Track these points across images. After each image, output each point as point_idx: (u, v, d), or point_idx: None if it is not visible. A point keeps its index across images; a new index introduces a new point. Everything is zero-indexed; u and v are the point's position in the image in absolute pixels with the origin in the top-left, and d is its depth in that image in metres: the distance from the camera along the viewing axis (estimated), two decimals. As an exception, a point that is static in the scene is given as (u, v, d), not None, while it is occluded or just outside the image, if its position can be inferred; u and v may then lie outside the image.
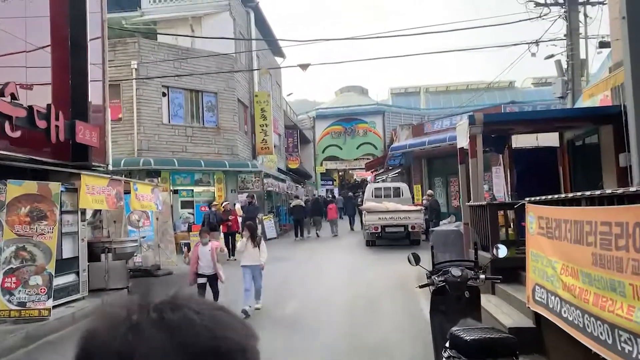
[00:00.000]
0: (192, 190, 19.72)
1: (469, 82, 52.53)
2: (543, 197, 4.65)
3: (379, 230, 14.76)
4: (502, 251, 4.13)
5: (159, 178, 18.64)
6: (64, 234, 7.90)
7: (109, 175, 9.04)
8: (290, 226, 26.12)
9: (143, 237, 11.94)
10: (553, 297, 4.27)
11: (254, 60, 24.76)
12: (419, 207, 15.30)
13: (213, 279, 7.68)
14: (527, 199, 4.98)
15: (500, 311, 5.54)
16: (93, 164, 9.83)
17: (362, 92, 51.34)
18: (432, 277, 4.13)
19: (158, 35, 21.19)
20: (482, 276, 4.05)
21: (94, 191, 8.41)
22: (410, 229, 14.72)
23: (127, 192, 10.14)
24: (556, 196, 4.37)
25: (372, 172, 42.57)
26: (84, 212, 8.46)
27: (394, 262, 12.22)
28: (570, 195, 4.04)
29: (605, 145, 8.61)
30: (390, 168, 29.10)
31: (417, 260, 4.26)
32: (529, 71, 69.04)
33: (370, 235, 15.18)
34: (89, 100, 9.70)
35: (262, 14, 26.31)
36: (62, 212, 7.92)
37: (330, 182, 46.31)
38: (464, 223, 9.29)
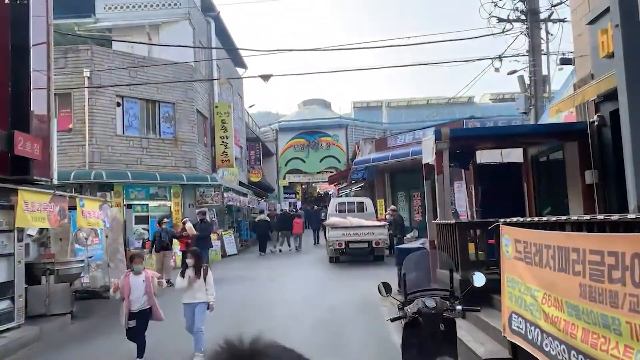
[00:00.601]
0: (147, 204, 18.82)
1: (430, 97, 53.46)
2: (522, 219, 4.36)
3: (343, 246, 14.38)
4: (479, 279, 3.79)
5: (112, 192, 17.74)
6: (-3, 256, 7.12)
7: (52, 191, 8.30)
8: (252, 241, 25.46)
9: (91, 257, 11.12)
10: (533, 328, 3.95)
11: (214, 71, 24.17)
12: (383, 223, 15.04)
13: (143, 319, 6.10)
14: (502, 220, 4.68)
15: (473, 339, 5.22)
16: (35, 178, 9.03)
17: (325, 106, 51.30)
18: (405, 308, 3.74)
19: (113, 44, 20.31)
20: (459, 307, 3.69)
21: (34, 208, 7.66)
22: (374, 245, 14.41)
23: (73, 208, 9.37)
24: (536, 219, 4.08)
25: (335, 185, 42.37)
26: (21, 231, 7.69)
27: (359, 280, 11.85)
28: (553, 218, 3.74)
29: (570, 162, 8.55)
30: (353, 182, 28.91)
31: (387, 290, 3.87)
32: (487, 87, 71.03)
33: (334, 252, 14.77)
34: (31, 109, 8.94)
35: (223, 24, 25.82)
36: (-5, 232, 7.15)
37: (294, 196, 45.80)
38: (430, 240, 9.02)
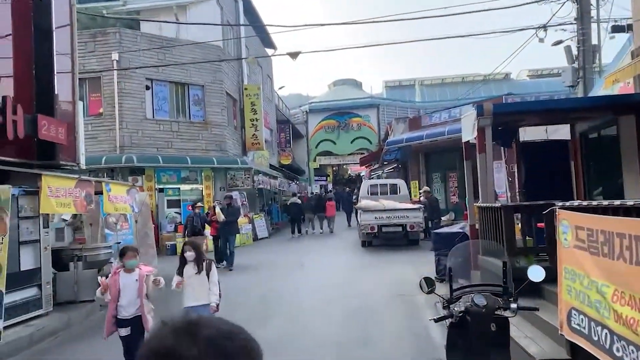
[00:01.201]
0: (179, 188, 18.77)
1: (465, 75, 51.77)
2: (584, 203, 3.79)
3: (376, 230, 13.91)
4: (537, 273, 3.27)
5: (143, 176, 17.74)
6: (22, 242, 6.98)
7: (77, 176, 8.11)
8: (284, 224, 25.29)
9: (118, 243, 11.01)
10: (599, 328, 3.42)
11: (243, 52, 23.78)
12: (417, 205, 14.44)
13: (136, 328, 4.84)
14: (560, 203, 4.12)
15: (524, 335, 4.71)
16: (62, 162, 8.90)
17: (355, 85, 50.36)
18: (450, 306, 3.27)
19: (141, 26, 20.12)
20: (514, 305, 3.19)
21: (59, 194, 7.49)
22: (408, 229, 13.87)
23: (100, 193, 9.21)
24: (605, 203, 3.52)
25: (366, 167, 41.70)
26: (46, 217, 7.54)
27: (392, 266, 11.40)
28: (630, 202, 3.18)
29: (626, 138, 7.78)
30: (385, 163, 28.23)
31: (430, 285, 3.39)
32: (524, 63, 68.45)
33: (366, 236, 14.32)
34: (56, 93, 8.75)
35: (252, 4, 25.31)
36: (20, 218, 7.00)
37: (324, 178, 45.40)
38: (470, 225, 8.46)
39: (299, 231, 20.31)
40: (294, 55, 11.61)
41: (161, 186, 18.30)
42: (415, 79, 54.46)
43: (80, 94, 17.86)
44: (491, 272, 6.65)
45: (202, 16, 19.56)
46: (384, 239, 14.57)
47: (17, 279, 6.75)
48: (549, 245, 5.99)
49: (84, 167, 10.28)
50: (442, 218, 19.73)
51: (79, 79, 17.61)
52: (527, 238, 6.36)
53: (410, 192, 17.91)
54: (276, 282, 10.00)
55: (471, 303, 3.20)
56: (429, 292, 3.46)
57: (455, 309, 3.26)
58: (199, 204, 13.21)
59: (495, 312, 3.22)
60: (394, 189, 16.58)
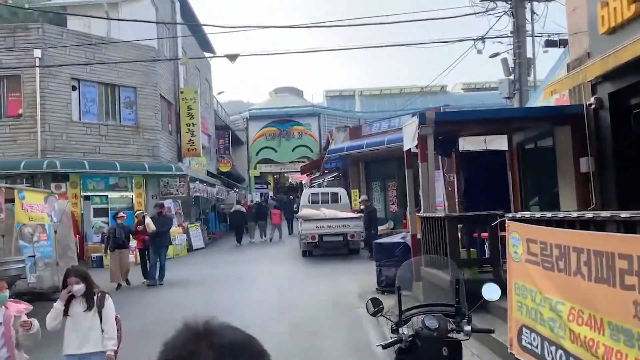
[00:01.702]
0: (107, 196, 17.60)
1: (403, 86, 53.00)
2: (538, 214, 3.60)
3: (316, 239, 13.57)
4: (492, 291, 3.01)
5: (68, 183, 16.49)
6: None
7: (-19, 182, 7.19)
8: (221, 234, 24.49)
9: (33, 256, 9.99)
10: (553, 349, 3.21)
11: (179, 54, 22.86)
12: (358, 215, 14.26)
13: None
14: (510, 214, 3.92)
15: (471, 353, 4.48)
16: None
17: (297, 94, 50.23)
18: (400, 330, 2.94)
19: (68, 23, 18.84)
20: (468, 327, 2.90)
21: (-42, 202, 6.58)
22: (349, 238, 13.64)
23: (11, 201, 8.27)
24: (561, 214, 3.33)
25: (307, 175, 41.51)
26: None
27: (333, 277, 11.09)
28: (589, 214, 2.98)
29: (561, 149, 7.92)
30: (326, 172, 28.09)
31: (376, 306, 3.03)
32: (459, 77, 71.05)
33: (307, 245, 13.94)
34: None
35: (189, 5, 24.48)
36: None
37: (265, 186, 44.79)
38: (412, 234, 8.29)
39: (239, 240, 20.31)
40: (232, 57, 11.11)
41: (87, 193, 17.08)
42: (355, 89, 55.17)
43: (-4, 92, 16.48)
44: (434, 285, 6.47)
45: (136, 15, 18.56)
46: (324, 249, 14.26)
47: None
48: (492, 258, 5.88)
49: (-6, 172, 9.25)
50: (381, 227, 19.77)
51: (-5, 76, 16.25)
52: (471, 250, 6.22)
53: (350, 201, 17.76)
54: (211, 297, 9.38)
55: (422, 326, 2.88)
56: (375, 314, 3.10)
57: (404, 333, 2.92)
58: (122, 213, 12.09)
59: (448, 335, 2.92)
60: (335, 198, 16.35)
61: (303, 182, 48.58)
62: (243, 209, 21.27)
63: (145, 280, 11.25)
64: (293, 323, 7.27)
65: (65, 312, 4.10)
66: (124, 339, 6.92)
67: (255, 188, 42.90)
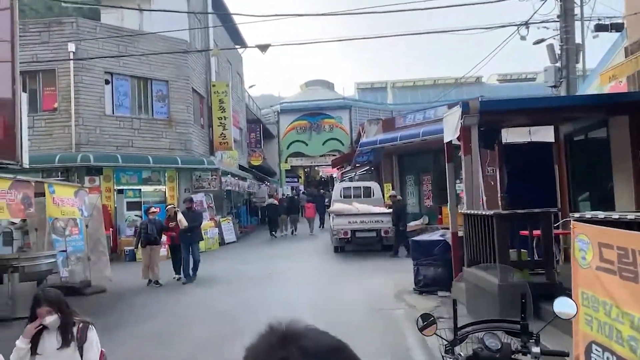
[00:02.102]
0: (140, 189, 17.66)
1: (437, 78, 51.91)
2: (615, 215, 3.13)
3: (349, 235, 13.20)
4: (567, 307, 2.57)
5: (101, 176, 16.60)
6: (-62, 254, 5.96)
7: (12, 176, 7.10)
8: (252, 227, 24.41)
9: (64, 250, 10.00)
10: (635, 373, 2.74)
11: (211, 46, 22.74)
12: (390, 210, 13.78)
13: None
14: (577, 214, 3.45)
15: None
16: (2, 161, 7.88)
17: (328, 87, 49.77)
18: (455, 350, 2.54)
19: (102, 17, 18.94)
20: (536, 349, 2.48)
21: (-12, 196, 6.49)
22: (383, 234, 13.21)
23: (42, 195, 8.19)
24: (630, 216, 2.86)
25: (338, 169, 41.09)
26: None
27: (367, 275, 10.69)
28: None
29: (617, 141, 7.28)
30: (358, 165, 27.62)
31: (426, 321, 2.63)
32: (493, 68, 69.19)
33: (339, 241, 13.58)
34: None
35: (222, -2, 24.29)
36: (-64, 226, 5.98)
37: (296, 180, 44.60)
38: (452, 232, 7.82)
39: (274, 232, 20.48)
40: (263, 47, 10.80)
41: (120, 187, 17.17)
42: (387, 81, 54.31)
43: (33, 87, 16.67)
44: (479, 288, 6.01)
45: (167, 8, 18.50)
46: (357, 245, 13.87)
47: None
48: (546, 259, 5.38)
49: (26, 166, 9.21)
50: (415, 222, 19.23)
51: (32, 71, 16.44)
52: (521, 250, 5.71)
53: (383, 195, 17.30)
54: (242, 295, 9.12)
55: (481, 346, 2.48)
56: (424, 328, 2.70)
57: (461, 353, 2.53)
58: (153, 208, 11.74)
59: (512, 357, 2.51)
60: (367, 192, 15.91)
61: (334, 176, 48.22)
62: (276, 202, 21.24)
63: (176, 275, 11.05)
64: (325, 326, 6.90)
65: (34, 350, 3.14)
66: (149, 339, 6.78)
67: (287, 182, 42.81)
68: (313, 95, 44.62)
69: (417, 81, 51.49)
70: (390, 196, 14.19)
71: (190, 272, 10.84)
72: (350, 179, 28.40)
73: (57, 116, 16.23)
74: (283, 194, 29.96)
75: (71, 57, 16.10)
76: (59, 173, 16.15)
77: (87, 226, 10.14)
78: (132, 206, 17.50)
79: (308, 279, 10.69)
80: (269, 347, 0.79)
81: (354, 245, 13.95)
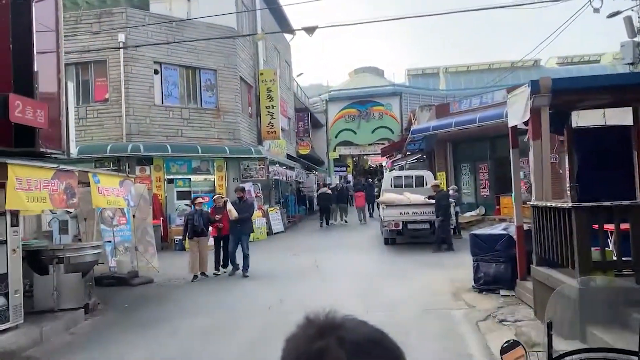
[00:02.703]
0: (190, 179, 17.69)
1: (492, 62, 49.74)
2: None
3: (400, 226, 12.57)
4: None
5: (152, 166, 16.72)
6: (-19, 245, 5.88)
7: (55, 165, 6.98)
8: (300, 217, 24.15)
9: (108, 241, 9.95)
10: None
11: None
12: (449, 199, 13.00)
13: None
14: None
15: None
16: (48, 151, 7.78)
17: (377, 74, 48.75)
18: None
19: (150, 6, 19.02)
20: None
21: (31, 186, 6.37)
22: (437, 225, 12.50)
23: (86, 184, 8.10)
24: None
25: (387, 157, 40.19)
26: (16, 214, 6.42)
27: (420, 270, 10.07)
28: None
29: None
30: (408, 153, 26.76)
31: (511, 349, 2.06)
32: (553, 50, 65.67)
33: (390, 233, 12.97)
34: (35, 70, 7.61)
35: (268, -16, 23.93)
36: (-21, 216, 5.91)
37: (344, 169, 44.06)
38: (517, 226, 7.08)
39: (327, 221, 20.39)
40: (310, 30, 10.30)
41: (170, 177, 17.24)
42: (439, 66, 52.58)
43: (85, 78, 16.96)
44: (549, 289, 5.30)
45: (215, -4, 18.31)
46: (409, 237, 13.22)
47: (-25, 289, 5.68)
48: (636, 259, 4.62)
49: (74, 155, 9.19)
50: (471, 213, 18.31)
51: (84, 62, 16.71)
52: (606, 249, 4.95)
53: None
54: (286, 291, 8.71)
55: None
56: (504, 352, 2.13)
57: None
58: (200, 198, 11.14)
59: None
60: (420, 182, 15.16)
61: (383, 165, 47.33)
62: (329, 192, 21.07)
63: (216, 271, 10.62)
64: (377, 325, 6.41)
65: None
66: (198, 333, 6.50)
67: (335, 171, 42.36)
68: (362, 83, 43.77)
69: (471, 66, 49.50)
70: (432, 186, 13.32)
71: (241, 266, 10.30)
72: (401, 168, 27.58)
73: (108, 107, 16.43)
74: (330, 184, 29.65)
75: (121, 47, 16.21)
76: (111, 163, 16.39)
77: (134, 216, 10.07)
78: (182, 195, 17.55)
79: (357, 272, 10.19)
80: (308, 338, 0.79)
81: (406, 237, 13.32)
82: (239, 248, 10.30)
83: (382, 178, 38.09)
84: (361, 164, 53.00)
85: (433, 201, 12.48)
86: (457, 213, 14.37)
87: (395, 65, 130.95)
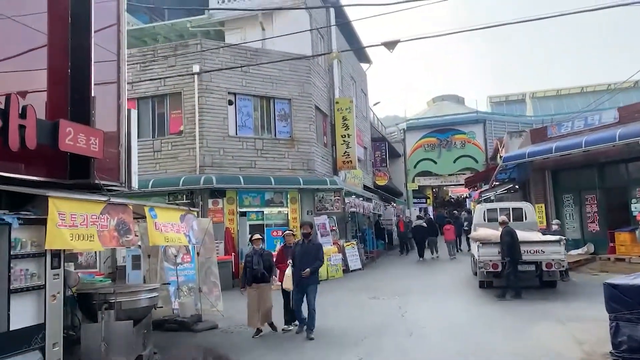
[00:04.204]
0: (263, 212, 16.89)
1: (584, 85, 46.11)
2: None
3: (499, 268, 10.76)
4: None
5: (224, 198, 16.12)
6: (15, 291, 5.08)
7: (105, 198, 6.19)
8: (378, 252, 22.60)
9: (167, 284, 9.09)
10: None
11: (335, 65, 21.75)
12: (557, 237, 10.99)
13: None
14: None
15: None
16: (105, 182, 7.10)
17: (457, 101, 46.67)
18: None
19: (226, 38, 18.91)
20: None
21: (76, 222, 5.58)
22: (544, 267, 10.54)
23: (142, 218, 7.29)
24: None
25: (471, 188, 37.67)
26: (57, 254, 5.63)
27: (530, 321, 8.25)
28: None
29: None
30: (497, 184, 24.51)
31: None
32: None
33: (486, 275, 11.17)
34: (92, 95, 7.00)
35: (345, 14, 23.31)
36: (14, 257, 5.14)
37: (424, 200, 41.94)
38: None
39: (422, 255, 19.98)
40: (391, 45, 9.13)
41: (243, 209, 16.54)
42: (525, 92, 49.55)
43: (160, 111, 16.85)
44: None
45: (290, 24, 17.85)
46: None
47: (4, 343, 4.85)
48: None
49: (136, 189, 8.48)
50: (577, 251, 15.91)
51: (160, 95, 16.67)
52: None
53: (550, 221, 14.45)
54: (366, 350, 7.28)
55: None
56: None
57: None
58: (257, 235, 8.94)
59: None
60: (518, 215, 13.21)
61: (465, 196, 44.55)
62: (424, 224, 20.39)
63: (285, 326, 8.74)
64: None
65: None
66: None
67: (414, 202, 40.38)
68: (442, 111, 41.91)
69: (561, 90, 46.08)
70: (500, 222, 11.30)
71: (305, 321, 8.24)
72: (487, 200, 25.31)
73: (182, 139, 16.16)
74: (422, 216, 28.15)
75: (196, 79, 15.99)
76: (184, 196, 15.99)
77: (197, 254, 9.18)
78: (254, 229, 16.74)
79: (452, 323, 8.54)
80: None
81: (505, 280, 11.41)
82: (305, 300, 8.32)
83: (464, 210, 35.69)
84: (441, 195, 50.44)
85: (541, 238, 10.59)
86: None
87: (476, 92, 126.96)
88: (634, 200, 14.43)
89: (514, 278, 10.53)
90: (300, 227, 8.77)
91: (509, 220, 13.11)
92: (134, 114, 8.70)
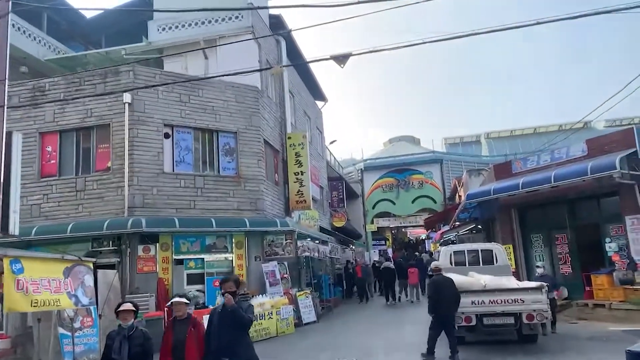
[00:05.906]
0: (203, 259, 14.83)
1: (536, 126, 47.10)
2: None
3: (473, 321, 9.19)
4: None
5: (157, 244, 14.03)
6: None
7: None
8: (336, 301, 20.72)
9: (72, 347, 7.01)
10: None
11: (286, 98, 20.41)
12: (537, 284, 9.55)
13: None
14: None
15: None
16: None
17: (413, 142, 46.37)
18: None
19: (165, 66, 17.27)
20: None
21: None
22: (525, 319, 9.02)
23: None
24: None
25: (430, 229, 36.74)
26: None
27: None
28: None
29: None
30: (458, 224, 23.41)
31: None
32: (598, 112, 62.76)
33: (458, 330, 9.54)
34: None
35: (297, 46, 22.22)
36: None
37: (383, 242, 40.60)
38: None
39: (393, 298, 19.72)
40: (341, 59, 7.73)
41: (180, 257, 14.44)
42: (479, 133, 50.13)
43: (86, 145, 14.81)
44: None
45: (235, 54, 16.37)
46: (484, 334, 9.73)
47: None
48: None
49: (14, 233, 6.50)
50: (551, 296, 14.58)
51: (86, 127, 14.62)
52: None
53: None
54: None
55: None
56: None
57: None
58: (129, 304, 5.62)
59: None
60: (487, 257, 11.78)
61: (424, 237, 43.59)
62: (392, 266, 20.37)
63: None
64: None
65: None
66: None
67: (373, 245, 38.97)
68: (398, 151, 41.34)
69: (514, 130, 46.74)
70: (432, 269, 9.90)
71: None
72: (447, 243, 24.10)
73: (109, 176, 14.10)
74: (389, 257, 26.65)
75: (127, 108, 14.15)
76: (110, 242, 13.83)
77: (100, 316, 7.14)
78: (193, 279, 14.67)
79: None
80: None
81: (479, 334, 9.81)
82: None
83: (426, 252, 34.49)
84: (400, 236, 49.34)
85: (519, 285, 9.13)
86: (553, 300, 10.85)
87: (431, 133, 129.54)
88: (607, 239, 13.36)
89: (431, 335, 9.10)
90: (221, 283, 5.65)
91: (480, 264, 11.71)
92: (17, 138, 6.82)
